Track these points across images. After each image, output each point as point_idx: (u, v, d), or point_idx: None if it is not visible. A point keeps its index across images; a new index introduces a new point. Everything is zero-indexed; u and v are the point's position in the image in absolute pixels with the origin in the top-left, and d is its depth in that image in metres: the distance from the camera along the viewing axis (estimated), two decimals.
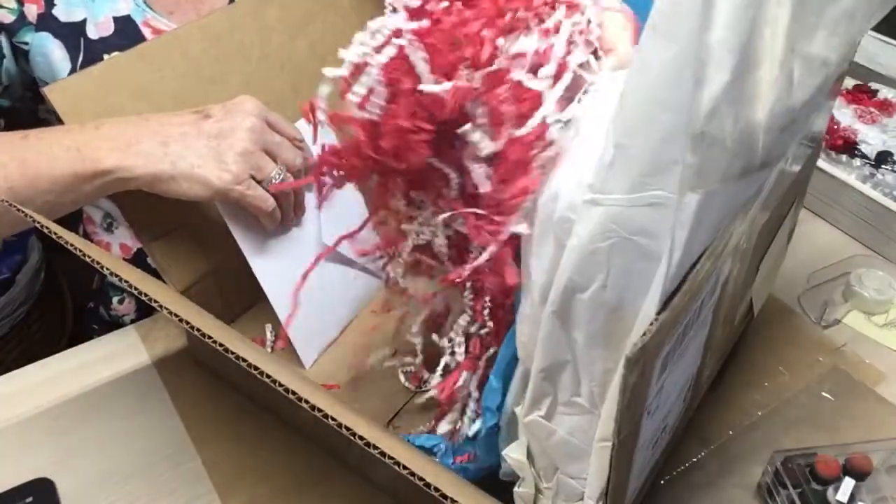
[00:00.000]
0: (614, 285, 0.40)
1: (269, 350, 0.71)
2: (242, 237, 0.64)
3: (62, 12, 0.72)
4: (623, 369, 0.35)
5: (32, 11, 0.71)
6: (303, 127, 0.65)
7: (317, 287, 0.68)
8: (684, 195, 0.36)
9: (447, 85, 0.44)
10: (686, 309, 0.41)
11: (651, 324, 0.37)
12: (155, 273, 0.65)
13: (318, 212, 0.69)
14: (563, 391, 0.45)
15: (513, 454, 0.50)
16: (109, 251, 0.82)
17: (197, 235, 0.66)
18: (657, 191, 0.37)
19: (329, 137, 0.53)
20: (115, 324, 0.87)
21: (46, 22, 0.71)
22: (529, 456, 0.50)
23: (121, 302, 0.86)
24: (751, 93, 0.37)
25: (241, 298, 0.72)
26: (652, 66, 0.35)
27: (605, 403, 0.42)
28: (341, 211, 0.70)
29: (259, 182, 0.61)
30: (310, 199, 0.68)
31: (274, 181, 0.61)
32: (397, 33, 0.46)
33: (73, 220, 0.84)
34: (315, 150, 0.65)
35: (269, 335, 0.71)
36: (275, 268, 0.65)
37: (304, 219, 0.68)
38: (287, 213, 0.65)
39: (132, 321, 0.84)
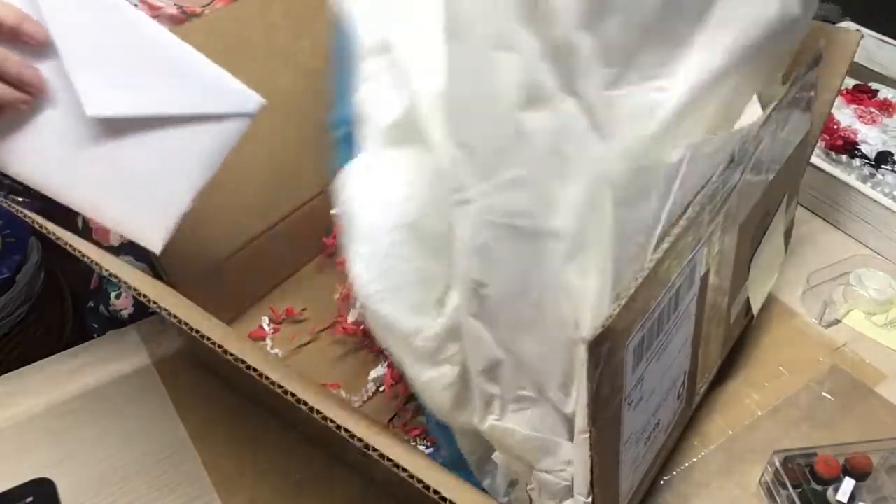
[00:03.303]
0: (512, 271, 0.41)
1: (270, 343, 0.71)
2: None
3: None
4: (585, 353, 0.36)
5: None
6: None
7: (133, 161, 0.56)
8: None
9: None
10: (655, 296, 0.42)
11: (613, 310, 0.37)
12: (154, 270, 0.65)
13: (71, 79, 0.53)
14: (506, 388, 0.45)
15: (499, 460, 0.51)
16: (108, 238, 0.82)
17: (197, 233, 0.66)
18: (514, 170, 0.40)
19: None
20: (113, 319, 0.87)
21: None
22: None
23: (118, 297, 0.86)
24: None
25: (241, 298, 0.72)
26: (460, 71, 0.41)
27: (579, 396, 0.43)
28: (105, 67, 0.54)
29: None
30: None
31: None
32: None
33: (74, 212, 0.85)
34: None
35: (267, 328, 0.71)
36: (41, 162, 0.54)
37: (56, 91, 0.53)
38: (17, 105, 0.50)
39: (129, 315, 0.85)
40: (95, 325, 0.90)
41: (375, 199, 0.46)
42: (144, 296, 0.47)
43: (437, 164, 0.44)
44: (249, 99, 0.58)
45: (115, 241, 0.81)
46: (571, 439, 0.45)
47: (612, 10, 0.42)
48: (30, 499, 0.58)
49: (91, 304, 0.90)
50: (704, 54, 0.47)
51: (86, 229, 0.84)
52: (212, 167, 0.59)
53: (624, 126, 0.44)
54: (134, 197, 0.57)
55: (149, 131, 0.55)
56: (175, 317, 0.45)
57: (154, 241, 0.58)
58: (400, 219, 0.46)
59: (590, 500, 0.44)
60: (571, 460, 0.45)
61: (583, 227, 0.42)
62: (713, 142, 0.45)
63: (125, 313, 0.86)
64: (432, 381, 0.47)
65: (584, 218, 0.42)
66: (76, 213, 0.83)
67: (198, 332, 0.45)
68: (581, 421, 0.42)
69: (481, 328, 0.43)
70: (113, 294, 0.86)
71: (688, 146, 0.42)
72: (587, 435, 0.41)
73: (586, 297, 0.42)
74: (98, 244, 0.79)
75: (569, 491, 0.46)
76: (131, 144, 0.55)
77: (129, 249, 0.80)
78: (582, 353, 0.38)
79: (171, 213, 0.58)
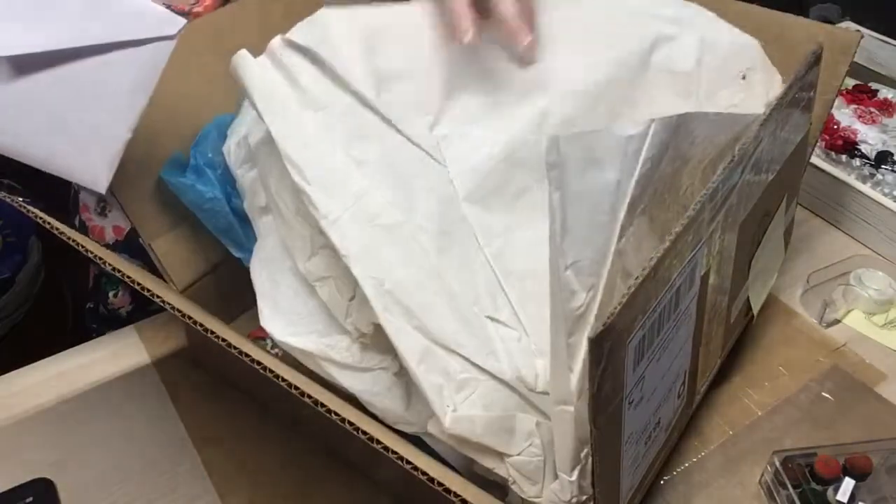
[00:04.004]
0: (397, 260, 0.49)
1: (271, 344, 0.70)
2: None
3: None
4: (588, 353, 0.37)
5: None
6: None
7: (57, 99, 0.53)
8: None
9: None
10: (655, 295, 0.42)
11: (614, 308, 0.38)
12: (153, 267, 0.65)
13: None
14: (447, 375, 0.47)
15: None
16: (104, 236, 0.82)
17: (198, 234, 0.66)
18: (359, 184, 0.51)
19: None
20: (112, 318, 0.87)
21: None
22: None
23: (115, 296, 0.86)
24: None
25: (240, 298, 0.72)
26: (284, 135, 0.51)
27: (550, 367, 0.44)
28: (11, 4, 0.51)
29: None
30: None
31: None
32: None
33: (72, 211, 0.85)
34: None
35: None
36: None
37: None
38: None
39: (128, 313, 0.85)
40: (95, 326, 0.90)
41: (264, 265, 0.57)
42: (149, 290, 0.47)
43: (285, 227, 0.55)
44: (170, 21, 0.55)
45: (109, 240, 0.81)
46: (522, 409, 0.47)
47: (397, 78, 0.55)
48: (30, 499, 0.58)
49: (90, 304, 0.90)
50: (535, 93, 0.57)
51: (82, 229, 0.84)
52: (142, 95, 0.55)
53: (464, 153, 0.55)
54: (66, 136, 0.54)
55: (68, 65, 0.52)
56: (179, 311, 0.46)
57: (98, 180, 0.55)
58: (285, 271, 0.55)
59: (574, 477, 0.44)
60: (532, 431, 0.47)
61: (446, 229, 0.51)
62: (675, 118, 0.45)
63: (123, 311, 0.87)
64: (372, 387, 0.51)
65: (443, 222, 0.51)
66: (73, 214, 0.84)
67: (202, 325, 0.45)
68: (558, 394, 0.43)
69: (398, 321, 0.47)
70: (111, 293, 0.86)
71: (648, 120, 0.42)
72: (569, 408, 0.42)
73: (479, 280, 0.51)
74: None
75: (542, 466, 0.47)
76: (52, 81, 0.53)
77: (124, 247, 0.80)
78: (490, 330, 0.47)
79: (109, 148, 0.55)
